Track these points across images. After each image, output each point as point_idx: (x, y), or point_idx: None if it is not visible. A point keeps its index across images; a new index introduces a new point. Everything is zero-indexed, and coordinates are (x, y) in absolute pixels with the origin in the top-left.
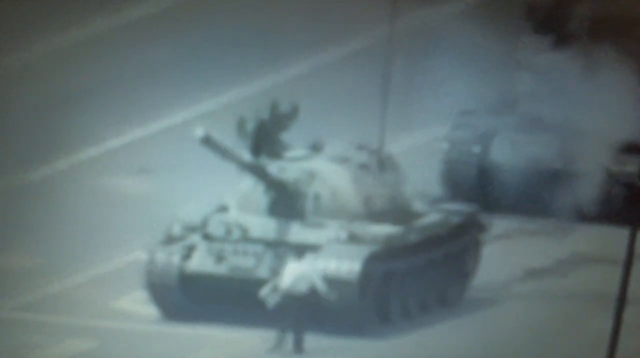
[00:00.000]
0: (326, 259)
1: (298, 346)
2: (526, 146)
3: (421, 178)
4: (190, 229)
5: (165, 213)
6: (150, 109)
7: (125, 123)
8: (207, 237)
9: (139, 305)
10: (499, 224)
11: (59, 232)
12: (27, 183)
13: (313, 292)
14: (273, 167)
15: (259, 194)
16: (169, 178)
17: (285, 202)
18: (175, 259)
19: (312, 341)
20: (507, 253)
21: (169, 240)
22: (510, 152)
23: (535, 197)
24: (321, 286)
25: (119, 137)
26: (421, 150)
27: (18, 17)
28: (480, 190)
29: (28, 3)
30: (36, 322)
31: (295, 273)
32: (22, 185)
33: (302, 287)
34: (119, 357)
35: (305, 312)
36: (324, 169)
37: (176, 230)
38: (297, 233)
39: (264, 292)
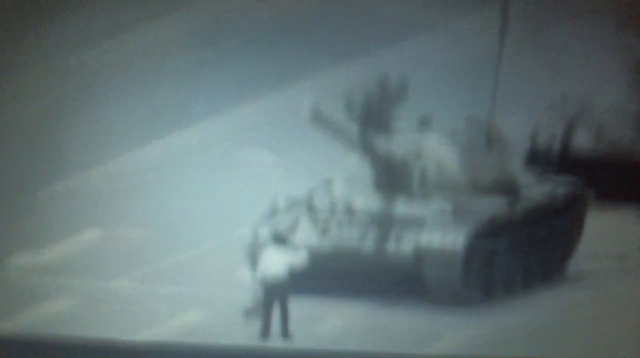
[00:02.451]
0: (431, 232)
1: (285, 330)
2: (610, 132)
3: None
4: (296, 203)
5: (290, 187)
6: (265, 81)
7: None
8: (312, 210)
9: None
10: None
11: (182, 204)
12: (149, 157)
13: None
14: (381, 142)
15: (365, 168)
16: (292, 153)
17: (392, 176)
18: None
19: (413, 315)
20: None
21: (274, 213)
22: (594, 138)
23: (619, 185)
24: (300, 265)
25: (235, 109)
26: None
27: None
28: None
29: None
30: (158, 293)
31: (272, 260)
32: (143, 161)
33: (280, 273)
34: (235, 325)
35: (286, 296)
36: (431, 143)
37: (281, 203)
38: (402, 206)
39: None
